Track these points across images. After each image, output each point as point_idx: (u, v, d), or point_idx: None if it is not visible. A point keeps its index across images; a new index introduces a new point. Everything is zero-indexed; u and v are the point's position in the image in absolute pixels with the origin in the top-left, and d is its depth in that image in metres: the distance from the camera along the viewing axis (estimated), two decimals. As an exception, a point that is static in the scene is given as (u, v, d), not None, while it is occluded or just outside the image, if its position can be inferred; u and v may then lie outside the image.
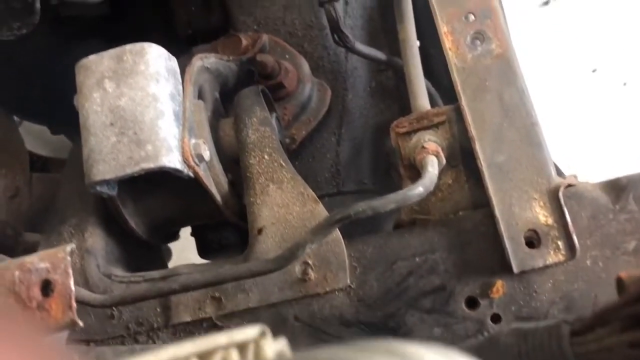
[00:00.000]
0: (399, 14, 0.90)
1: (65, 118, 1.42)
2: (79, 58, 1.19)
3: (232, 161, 0.81)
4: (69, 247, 0.57)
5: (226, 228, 0.92)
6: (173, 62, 0.73)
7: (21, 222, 1.17)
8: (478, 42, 0.71)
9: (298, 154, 0.96)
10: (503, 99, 0.69)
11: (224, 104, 0.89)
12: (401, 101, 1.03)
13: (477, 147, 0.68)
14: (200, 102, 0.76)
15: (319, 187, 0.98)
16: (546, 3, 2.20)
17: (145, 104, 0.67)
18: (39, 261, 0.55)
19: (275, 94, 0.91)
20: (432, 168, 0.65)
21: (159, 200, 0.76)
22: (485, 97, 0.69)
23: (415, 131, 0.72)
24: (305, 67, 0.94)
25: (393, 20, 1.01)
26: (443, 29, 0.73)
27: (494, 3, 0.73)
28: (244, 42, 0.93)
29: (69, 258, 0.57)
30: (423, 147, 0.68)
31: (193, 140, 0.70)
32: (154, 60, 0.69)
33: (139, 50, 0.69)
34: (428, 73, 0.97)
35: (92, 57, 0.70)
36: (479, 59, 0.71)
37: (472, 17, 0.72)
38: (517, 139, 0.67)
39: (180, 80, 0.73)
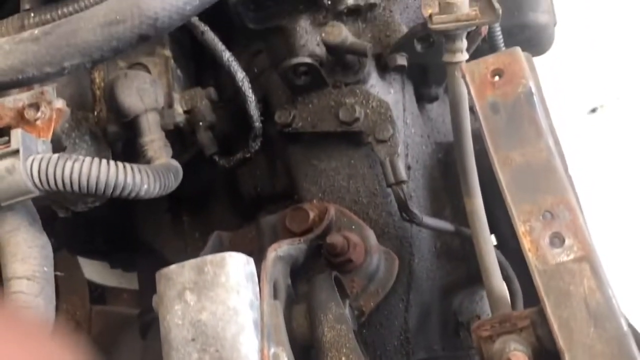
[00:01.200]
0: (466, 187, 0.90)
1: (124, 258, 1.46)
2: (140, 211, 1.23)
3: (305, 351, 0.80)
4: None
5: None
6: (251, 266, 0.74)
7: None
8: (558, 244, 0.70)
9: (365, 322, 0.95)
10: (589, 306, 0.67)
11: (292, 279, 0.89)
12: (468, 262, 1.01)
13: (567, 360, 0.66)
14: (276, 303, 0.76)
15: (388, 357, 0.96)
16: (594, 111, 2.19)
17: (227, 319, 0.68)
18: None
19: (342, 267, 0.91)
20: (524, 391, 0.63)
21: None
22: (571, 304, 0.67)
23: (499, 335, 0.70)
24: (372, 238, 0.94)
25: (453, 178, 1.01)
26: (521, 228, 0.72)
27: (572, 202, 0.72)
28: (311, 214, 0.94)
29: None
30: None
31: (272, 350, 0.70)
32: (234, 270, 0.70)
33: (219, 261, 0.70)
34: (494, 234, 0.97)
35: (173, 267, 0.71)
36: (561, 262, 0.69)
37: (549, 216, 0.72)
38: (608, 352, 0.65)
39: (257, 281, 0.74)
